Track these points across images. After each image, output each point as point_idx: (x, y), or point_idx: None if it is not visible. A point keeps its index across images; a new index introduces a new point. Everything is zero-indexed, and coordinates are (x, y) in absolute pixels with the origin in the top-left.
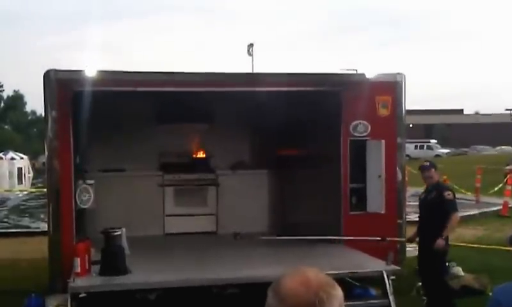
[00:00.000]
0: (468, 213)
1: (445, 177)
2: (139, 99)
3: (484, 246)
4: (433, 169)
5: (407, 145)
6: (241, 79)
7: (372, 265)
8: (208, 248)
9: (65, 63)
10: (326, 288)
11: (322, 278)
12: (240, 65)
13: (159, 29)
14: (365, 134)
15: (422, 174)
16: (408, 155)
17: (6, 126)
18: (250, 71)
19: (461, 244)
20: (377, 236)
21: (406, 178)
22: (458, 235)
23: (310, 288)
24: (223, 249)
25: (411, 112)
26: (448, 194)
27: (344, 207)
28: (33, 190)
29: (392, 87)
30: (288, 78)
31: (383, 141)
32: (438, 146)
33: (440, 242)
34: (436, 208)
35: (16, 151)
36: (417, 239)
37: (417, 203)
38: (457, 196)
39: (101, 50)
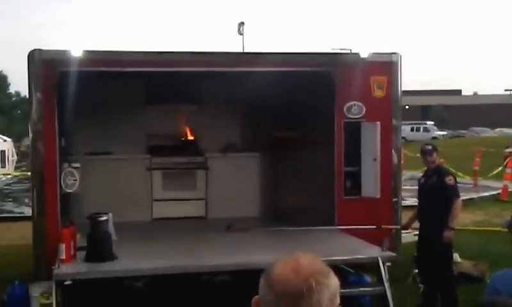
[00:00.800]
0: (466, 197)
1: (442, 160)
2: (127, 80)
3: (481, 228)
4: (435, 153)
5: (403, 127)
6: (231, 59)
7: (367, 251)
8: (198, 233)
9: (51, 43)
10: (318, 276)
11: (316, 266)
12: (231, 44)
13: (147, 8)
14: (359, 116)
15: (424, 157)
16: (403, 138)
17: None
18: (241, 50)
19: (460, 228)
20: (372, 221)
21: (402, 162)
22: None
23: (299, 274)
24: (213, 234)
25: (407, 93)
26: (449, 180)
27: (337, 191)
28: (17, 173)
29: (387, 67)
30: (279, 58)
31: (378, 123)
32: (435, 128)
33: (448, 234)
34: (437, 193)
35: None
36: (417, 225)
37: (413, 187)
38: None
39: (88, 30)
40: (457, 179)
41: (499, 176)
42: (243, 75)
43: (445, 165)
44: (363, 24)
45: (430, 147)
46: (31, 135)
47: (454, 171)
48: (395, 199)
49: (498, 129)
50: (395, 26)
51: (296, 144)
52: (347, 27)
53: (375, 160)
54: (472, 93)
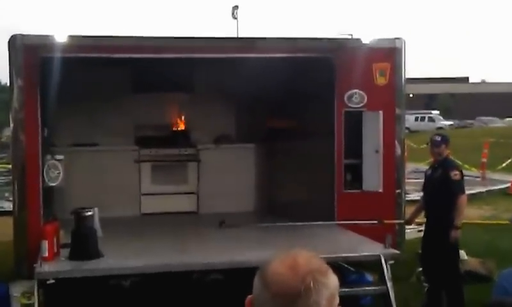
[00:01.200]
0: (473, 191)
1: (448, 152)
2: (114, 66)
3: (488, 222)
4: (444, 145)
5: (407, 117)
6: (224, 44)
7: (369, 248)
8: (189, 229)
9: (33, 27)
10: (316, 274)
11: (315, 263)
12: (224, 29)
13: None
14: (361, 105)
15: (431, 149)
16: (407, 128)
17: None
18: (235, 35)
19: (466, 222)
20: (374, 217)
21: (406, 153)
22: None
23: (297, 273)
24: (205, 230)
25: (411, 81)
26: (455, 175)
27: (337, 185)
28: None
29: (390, 53)
30: (275, 43)
31: (381, 112)
32: (441, 117)
33: (455, 234)
34: (442, 187)
35: None
36: (421, 220)
37: (417, 180)
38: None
39: (72, 14)
40: (464, 172)
41: (508, 169)
42: (237, 61)
43: (451, 157)
44: (364, 8)
45: (439, 138)
46: (12, 125)
47: (460, 163)
48: (398, 191)
49: (507, 119)
50: (398, 10)
51: (293, 134)
52: (348, 10)
53: (377, 151)
54: (479, 81)
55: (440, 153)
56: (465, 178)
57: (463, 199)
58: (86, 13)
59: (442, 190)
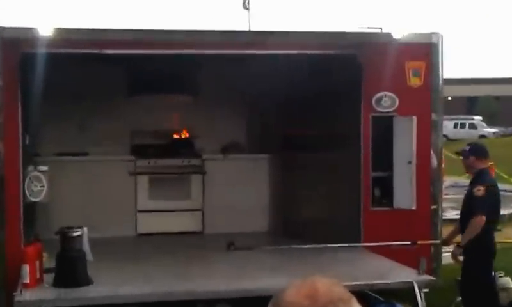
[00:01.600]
0: None
1: (491, 163)
2: (107, 64)
3: None
4: (473, 157)
5: (444, 123)
6: (234, 39)
7: (400, 274)
8: (192, 252)
9: (13, 19)
10: (338, 304)
11: (336, 292)
12: (234, 21)
13: None
14: (391, 109)
15: (462, 161)
16: (445, 136)
17: None
18: (246, 29)
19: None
20: (406, 238)
21: (443, 165)
22: (505, 236)
23: (315, 302)
24: (210, 253)
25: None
26: (477, 190)
27: (364, 201)
28: None
29: (426, 50)
30: (292, 38)
31: (415, 118)
32: (484, 124)
33: (455, 251)
34: (469, 205)
35: None
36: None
37: (456, 196)
38: (505, 187)
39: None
40: (509, 187)
41: None
42: (249, 59)
43: (494, 171)
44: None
45: (467, 148)
46: None
47: (505, 176)
48: (433, 208)
49: None
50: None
51: (313, 143)
52: (376, 1)
53: (410, 163)
54: None
55: (470, 166)
56: (509, 194)
57: (478, 219)
58: (75, 1)
59: (469, 208)
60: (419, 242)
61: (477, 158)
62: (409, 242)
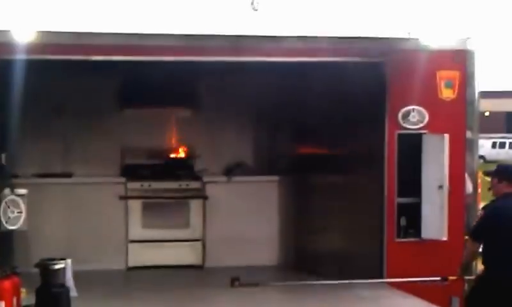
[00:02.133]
0: None
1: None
2: (95, 73)
3: None
4: (496, 179)
5: (481, 142)
6: (240, 45)
7: None
8: (191, 289)
9: None
10: None
11: None
12: (241, 24)
13: None
14: (420, 126)
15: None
16: (482, 157)
17: None
18: (254, 32)
19: None
20: (436, 273)
21: (479, 190)
22: None
23: None
24: (212, 290)
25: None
26: (480, 213)
27: (388, 231)
28: None
29: (460, 58)
30: (307, 43)
31: (447, 136)
32: None
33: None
34: None
35: None
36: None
37: None
38: None
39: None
40: None
41: None
42: (257, 67)
43: None
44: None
45: (493, 170)
46: None
47: None
48: (467, 238)
49: None
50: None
51: (329, 165)
52: (403, 5)
53: (441, 188)
54: None
55: (494, 189)
56: None
57: (468, 245)
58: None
59: None
60: (450, 278)
61: (500, 181)
62: (439, 278)
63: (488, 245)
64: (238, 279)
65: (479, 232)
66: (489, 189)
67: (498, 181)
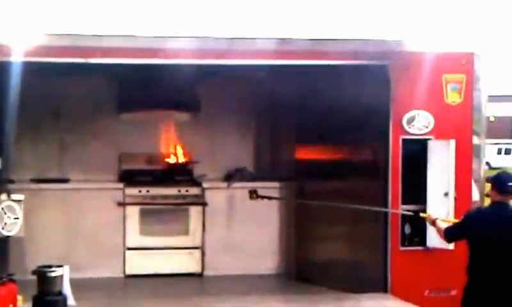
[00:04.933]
0: None
1: (497, 196)
2: (92, 76)
3: None
4: (490, 186)
5: (486, 148)
6: (240, 47)
7: None
8: (190, 298)
9: None
10: None
11: None
12: (240, 25)
13: None
14: (425, 131)
15: None
16: (487, 163)
17: None
18: (255, 34)
19: None
20: (442, 283)
21: (486, 197)
22: None
23: None
24: (212, 299)
25: (493, 99)
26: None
27: (392, 240)
28: None
29: (466, 61)
30: (310, 46)
31: (453, 142)
32: None
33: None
34: None
35: None
36: None
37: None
38: None
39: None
40: None
41: None
42: (258, 70)
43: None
44: (429, 7)
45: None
46: None
47: None
48: None
49: None
50: (477, 4)
51: (332, 171)
52: (407, 9)
53: (446, 195)
54: None
55: (490, 196)
56: None
57: (442, 230)
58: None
59: None
60: (422, 215)
61: (492, 189)
62: (411, 213)
63: (474, 254)
64: (256, 191)
65: (453, 235)
66: (487, 195)
67: (491, 188)
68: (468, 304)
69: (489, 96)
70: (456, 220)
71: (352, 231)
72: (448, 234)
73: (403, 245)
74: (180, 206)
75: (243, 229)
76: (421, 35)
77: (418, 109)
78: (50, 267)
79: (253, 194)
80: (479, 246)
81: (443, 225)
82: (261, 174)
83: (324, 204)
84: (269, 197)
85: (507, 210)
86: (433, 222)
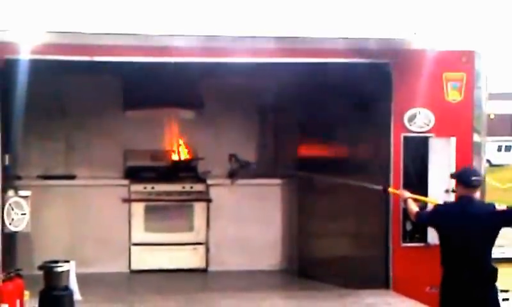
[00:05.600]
0: None
1: (460, 191)
2: (98, 73)
3: None
4: (455, 182)
5: (487, 145)
6: (245, 45)
7: None
8: (195, 293)
9: None
10: None
11: None
12: (243, 23)
13: None
14: (426, 129)
15: None
16: (488, 161)
17: None
18: (258, 33)
19: None
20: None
21: (486, 195)
22: None
23: None
24: (216, 294)
25: (492, 97)
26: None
27: (393, 236)
28: None
29: (467, 59)
30: (313, 44)
31: (453, 139)
32: None
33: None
34: None
35: None
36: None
37: (501, 231)
38: None
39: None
40: None
41: None
42: (261, 68)
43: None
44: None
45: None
46: None
47: None
48: None
49: None
50: (477, 3)
51: (334, 167)
52: (409, 7)
53: (447, 192)
54: None
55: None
56: None
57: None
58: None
59: None
60: (390, 190)
61: (457, 185)
62: (381, 187)
63: (443, 247)
64: (235, 155)
65: (423, 222)
66: (453, 191)
67: (456, 184)
68: (445, 297)
69: (490, 94)
70: (427, 199)
71: (355, 227)
72: (419, 219)
73: (404, 241)
74: (185, 202)
75: (247, 225)
76: (422, 34)
77: (419, 106)
78: (56, 262)
79: (232, 158)
80: (448, 239)
81: (415, 208)
82: (264, 171)
83: (319, 177)
84: (247, 162)
85: (473, 204)
86: (405, 201)
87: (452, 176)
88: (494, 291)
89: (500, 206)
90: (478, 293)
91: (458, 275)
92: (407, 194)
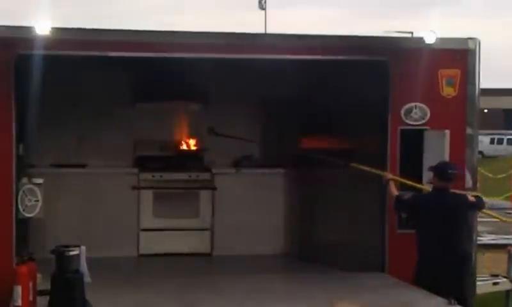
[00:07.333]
0: None
1: (436, 182)
2: (109, 68)
3: None
4: (432, 174)
5: (479, 138)
6: (248, 42)
7: (429, 304)
8: (200, 277)
9: (9, 17)
10: None
11: None
12: (249, 22)
13: None
14: (422, 122)
15: None
16: (480, 152)
17: None
18: (262, 30)
19: None
20: None
21: (478, 184)
22: None
23: None
24: (220, 278)
25: (486, 92)
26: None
27: (390, 223)
28: None
29: (461, 56)
30: (314, 42)
31: (447, 132)
32: None
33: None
34: None
35: None
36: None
37: (492, 220)
38: None
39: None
40: None
41: None
42: (264, 64)
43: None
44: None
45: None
46: None
47: None
48: None
49: None
50: (470, 3)
51: (334, 158)
52: (405, 5)
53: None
54: None
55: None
56: None
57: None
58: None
59: None
60: (352, 164)
61: (434, 177)
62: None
63: (420, 234)
64: (212, 128)
65: (400, 208)
66: (430, 183)
67: (433, 176)
68: (418, 279)
69: (483, 89)
70: (411, 183)
71: (353, 214)
72: (397, 204)
73: (400, 228)
74: (191, 190)
75: (250, 212)
76: (419, 32)
77: (416, 101)
78: (68, 246)
79: (211, 131)
80: (424, 227)
81: (395, 192)
82: (267, 160)
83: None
84: (226, 135)
85: (448, 195)
86: (387, 182)
87: (430, 168)
88: (468, 273)
89: (471, 198)
90: (453, 274)
91: (434, 259)
92: (389, 175)
